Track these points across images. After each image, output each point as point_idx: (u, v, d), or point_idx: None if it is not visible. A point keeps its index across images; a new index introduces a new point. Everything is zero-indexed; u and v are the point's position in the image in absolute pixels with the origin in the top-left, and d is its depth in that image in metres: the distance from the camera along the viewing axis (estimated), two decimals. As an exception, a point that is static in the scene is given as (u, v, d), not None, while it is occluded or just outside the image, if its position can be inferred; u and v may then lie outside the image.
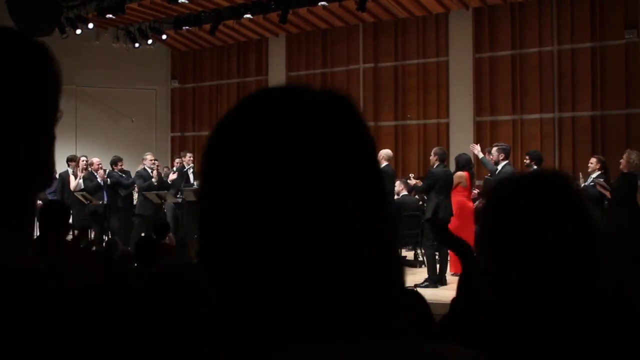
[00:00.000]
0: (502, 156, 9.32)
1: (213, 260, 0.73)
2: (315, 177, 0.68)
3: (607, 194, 8.73)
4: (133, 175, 12.42)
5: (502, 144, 9.92)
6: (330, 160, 0.69)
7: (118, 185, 12.03)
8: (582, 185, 8.98)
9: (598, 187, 8.83)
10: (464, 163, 9.35)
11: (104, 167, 12.37)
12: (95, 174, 12.05)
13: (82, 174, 12.28)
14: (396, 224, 0.74)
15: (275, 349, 0.69)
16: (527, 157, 9.76)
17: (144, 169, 12.17)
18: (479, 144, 10.08)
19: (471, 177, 9.51)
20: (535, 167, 9.42)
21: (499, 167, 9.25)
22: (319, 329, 0.68)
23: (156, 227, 7.75)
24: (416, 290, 2.81)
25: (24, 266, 0.78)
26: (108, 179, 11.93)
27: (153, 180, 11.82)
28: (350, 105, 0.74)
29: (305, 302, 0.68)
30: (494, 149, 9.55)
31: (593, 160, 9.59)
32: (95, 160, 12.19)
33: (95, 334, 0.76)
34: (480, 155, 9.59)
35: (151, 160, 12.29)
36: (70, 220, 12.39)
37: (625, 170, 8.86)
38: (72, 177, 12.46)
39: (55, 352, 0.74)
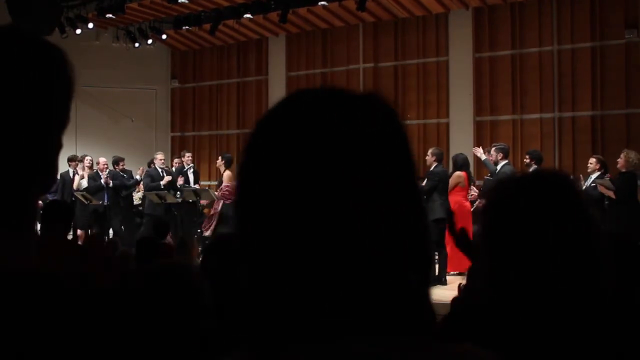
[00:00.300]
0: (500, 156, 9.35)
1: (250, 255, 0.73)
2: (348, 179, 0.68)
3: (611, 194, 8.69)
4: (135, 175, 12.41)
5: (501, 144, 9.94)
6: (365, 162, 0.70)
7: (121, 186, 11.99)
8: (583, 187, 8.96)
9: (600, 189, 8.78)
10: (462, 163, 9.37)
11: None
12: (101, 173, 12.03)
13: (87, 173, 12.28)
14: (427, 226, 0.74)
15: (282, 349, 0.69)
16: (527, 157, 9.77)
17: (155, 168, 12.15)
18: (481, 147, 10.08)
19: (469, 177, 9.53)
20: (535, 166, 9.44)
21: (498, 167, 9.27)
22: (332, 327, 0.68)
23: (156, 227, 7.74)
24: None
25: (24, 267, 0.78)
26: (110, 181, 11.89)
27: (162, 183, 11.75)
28: (390, 110, 0.75)
29: (328, 300, 0.69)
30: (493, 149, 9.58)
31: (592, 160, 9.59)
32: (102, 160, 12.16)
33: (94, 335, 0.76)
34: (483, 157, 9.60)
35: (161, 159, 12.27)
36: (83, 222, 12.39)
37: (623, 170, 8.85)
38: (76, 177, 12.45)
39: (54, 352, 0.74)
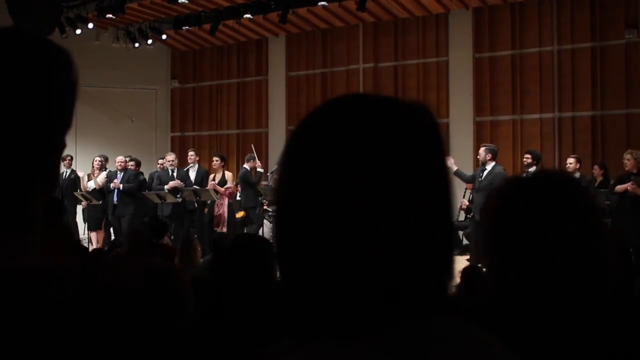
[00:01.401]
0: (489, 156, 9.40)
1: (288, 255, 0.75)
2: (381, 183, 0.71)
3: None
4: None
5: (490, 145, 10.00)
6: (404, 172, 0.72)
7: (140, 188, 11.81)
8: None
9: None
10: None
11: (107, 168, 12.33)
12: (119, 173, 11.82)
13: (96, 174, 12.19)
14: (452, 235, 0.77)
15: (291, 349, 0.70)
16: (529, 156, 9.79)
17: (165, 170, 12.09)
18: (452, 159, 9.95)
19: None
20: (535, 166, 9.46)
21: (488, 168, 9.30)
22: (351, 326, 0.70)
23: (154, 227, 7.71)
24: None
25: (23, 267, 0.78)
26: (120, 185, 11.67)
27: (166, 187, 11.68)
28: (429, 117, 0.79)
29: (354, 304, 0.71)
30: (482, 149, 9.60)
31: (571, 160, 9.67)
32: (120, 159, 11.97)
33: (92, 335, 0.76)
34: (454, 167, 9.48)
35: (170, 160, 12.18)
36: (81, 221, 12.32)
37: (634, 171, 8.77)
38: (85, 178, 12.38)
39: (52, 352, 0.74)
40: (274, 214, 0.77)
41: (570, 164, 9.78)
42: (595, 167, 10.09)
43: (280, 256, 0.76)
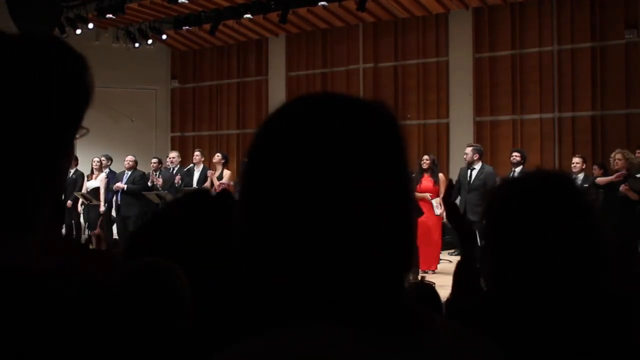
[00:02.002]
0: (477, 156, 9.46)
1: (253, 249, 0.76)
2: (348, 179, 0.72)
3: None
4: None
5: (476, 145, 10.06)
6: (364, 163, 0.73)
7: (144, 189, 11.80)
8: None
9: (629, 193, 8.59)
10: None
11: (107, 167, 12.30)
12: (126, 172, 11.80)
13: (96, 175, 12.18)
14: (413, 221, 0.79)
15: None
16: (518, 154, 9.83)
17: (167, 169, 12.07)
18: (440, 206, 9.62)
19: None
20: (522, 165, 9.58)
21: (477, 167, 9.31)
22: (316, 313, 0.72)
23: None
24: (432, 285, 2.82)
25: (23, 266, 0.78)
26: (124, 186, 11.65)
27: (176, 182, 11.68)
28: (390, 115, 0.79)
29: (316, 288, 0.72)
30: (469, 149, 9.60)
31: (578, 160, 9.68)
32: (130, 158, 11.94)
33: (93, 333, 0.76)
34: (440, 210, 9.27)
35: (172, 158, 12.17)
36: (83, 222, 12.29)
37: (624, 170, 8.78)
38: (86, 177, 12.39)
39: (51, 351, 0.74)
40: (237, 202, 0.79)
41: (577, 163, 9.76)
42: (595, 167, 10.09)
43: (244, 238, 0.77)
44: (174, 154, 12.29)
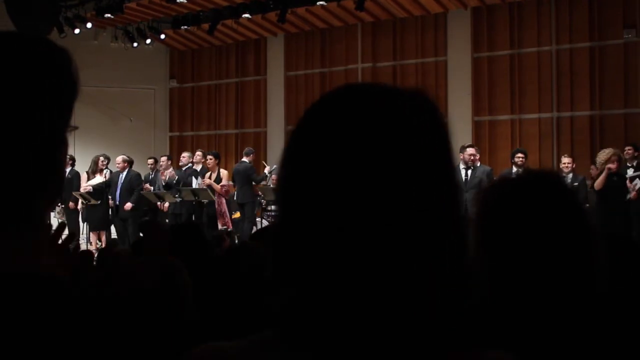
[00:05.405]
0: (478, 156, 9.64)
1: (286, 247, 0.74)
2: (391, 173, 0.69)
3: None
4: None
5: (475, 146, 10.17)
6: (408, 156, 0.70)
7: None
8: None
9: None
10: None
11: (105, 167, 12.29)
12: (120, 174, 11.80)
13: (99, 174, 12.17)
14: (464, 224, 0.75)
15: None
16: (522, 155, 9.86)
17: (179, 169, 12.10)
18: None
19: None
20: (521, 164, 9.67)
21: (472, 166, 9.36)
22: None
23: (142, 227, 7.66)
24: None
25: (20, 271, 0.77)
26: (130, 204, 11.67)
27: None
28: (431, 105, 0.76)
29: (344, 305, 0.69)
30: (474, 150, 9.68)
31: (567, 160, 9.74)
32: (119, 159, 11.94)
33: (89, 338, 0.76)
34: None
35: (183, 157, 12.23)
36: (82, 223, 12.25)
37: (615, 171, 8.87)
38: (84, 176, 12.38)
39: (50, 352, 0.74)
40: (277, 211, 0.76)
41: (567, 163, 9.82)
42: (592, 166, 10.10)
43: (280, 251, 0.75)
44: (186, 154, 12.38)
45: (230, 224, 11.23)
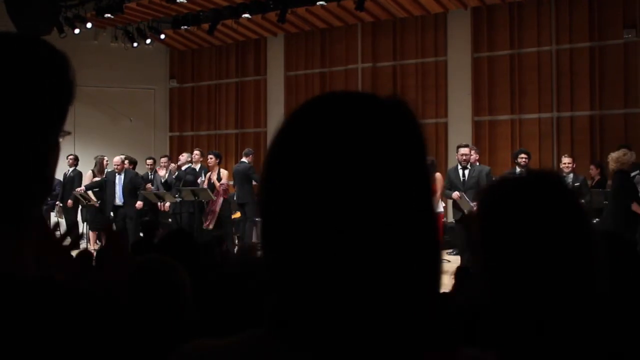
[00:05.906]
0: (477, 157, 9.63)
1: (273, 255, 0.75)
2: (368, 179, 0.71)
3: None
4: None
5: (473, 145, 10.19)
6: (385, 163, 0.72)
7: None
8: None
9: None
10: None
11: (108, 168, 12.33)
12: (117, 175, 11.84)
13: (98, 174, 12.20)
14: (437, 230, 0.76)
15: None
16: (525, 156, 9.83)
17: (181, 169, 12.13)
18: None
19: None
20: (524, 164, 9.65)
21: (469, 166, 9.33)
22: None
23: (144, 227, 7.66)
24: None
25: (9, 274, 0.77)
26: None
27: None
28: (412, 115, 0.77)
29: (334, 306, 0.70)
30: (472, 150, 9.66)
31: (567, 160, 9.71)
32: (117, 159, 11.95)
33: (81, 341, 0.76)
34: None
35: (182, 157, 12.29)
36: (81, 221, 12.29)
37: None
38: (89, 174, 12.40)
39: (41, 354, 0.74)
40: (259, 210, 0.78)
41: (568, 164, 9.81)
42: (592, 166, 10.10)
43: (265, 249, 0.76)
44: (184, 154, 12.46)
45: (211, 226, 11.21)
